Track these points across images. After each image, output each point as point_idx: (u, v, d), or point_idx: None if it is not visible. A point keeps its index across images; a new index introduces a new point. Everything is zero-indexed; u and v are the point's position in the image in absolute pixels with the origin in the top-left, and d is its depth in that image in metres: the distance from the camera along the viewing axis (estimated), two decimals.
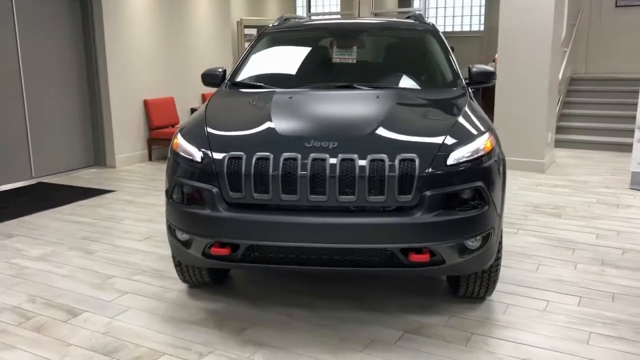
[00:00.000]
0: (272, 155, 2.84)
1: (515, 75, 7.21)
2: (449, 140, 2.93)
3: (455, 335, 3.13)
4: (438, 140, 2.92)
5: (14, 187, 6.75)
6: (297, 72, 4.16)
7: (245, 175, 2.84)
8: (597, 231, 4.92)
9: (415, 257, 2.81)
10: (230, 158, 2.89)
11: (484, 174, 2.93)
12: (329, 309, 3.46)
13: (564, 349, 2.99)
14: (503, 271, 4.01)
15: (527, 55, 7.09)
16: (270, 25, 4.77)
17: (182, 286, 3.80)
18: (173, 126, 8.53)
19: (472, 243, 2.93)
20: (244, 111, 3.51)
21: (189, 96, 9.08)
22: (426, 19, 4.82)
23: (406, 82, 3.95)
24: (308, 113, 3.29)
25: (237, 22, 10.07)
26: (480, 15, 14.80)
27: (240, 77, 4.13)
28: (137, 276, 4.00)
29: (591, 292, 3.70)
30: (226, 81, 4.13)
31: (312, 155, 2.81)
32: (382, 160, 2.78)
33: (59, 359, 2.93)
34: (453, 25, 15.24)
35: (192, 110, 9.09)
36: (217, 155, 2.93)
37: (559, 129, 9.41)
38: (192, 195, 3.02)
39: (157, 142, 8.30)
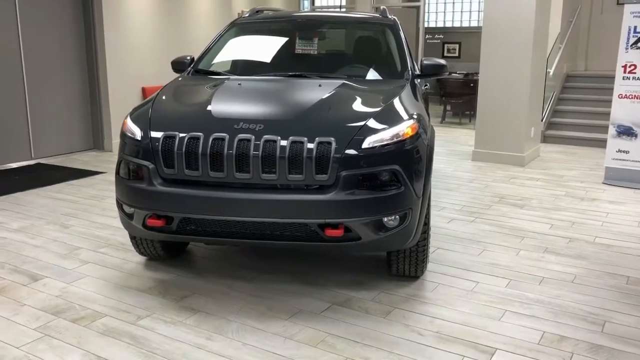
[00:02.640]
0: (202, 135, 3.10)
1: (497, 69, 7.35)
2: (371, 124, 3.15)
3: (378, 309, 3.36)
4: (359, 124, 3.15)
5: (13, 167, 7.14)
6: (257, 62, 4.41)
7: (178, 154, 3.11)
8: (552, 222, 5.08)
9: (330, 232, 3.04)
10: (166, 137, 3.16)
11: (402, 158, 3.14)
12: (267, 281, 3.72)
13: (475, 324, 3.19)
14: (445, 254, 4.22)
15: (508, 50, 7.21)
16: (242, 16, 5.02)
17: (141, 259, 4.10)
18: None
19: (391, 222, 3.15)
20: (191, 95, 3.77)
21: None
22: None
23: (355, 73, 4.17)
24: (247, 98, 3.54)
25: (239, 13, 10.33)
26: (479, 11, 14.82)
27: (203, 65, 4.39)
28: (103, 249, 4.30)
29: (523, 275, 3.89)
30: (189, 68, 4.39)
31: (239, 135, 3.06)
32: (302, 142, 3.02)
33: (10, 317, 3.23)
34: (452, 21, 15.30)
35: None
36: (155, 134, 3.20)
37: (551, 125, 9.50)
38: (134, 171, 3.29)
39: None
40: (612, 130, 6.58)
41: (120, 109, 8.23)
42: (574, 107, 9.72)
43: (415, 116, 3.37)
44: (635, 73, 6.34)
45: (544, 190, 6.20)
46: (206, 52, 4.54)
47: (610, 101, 9.42)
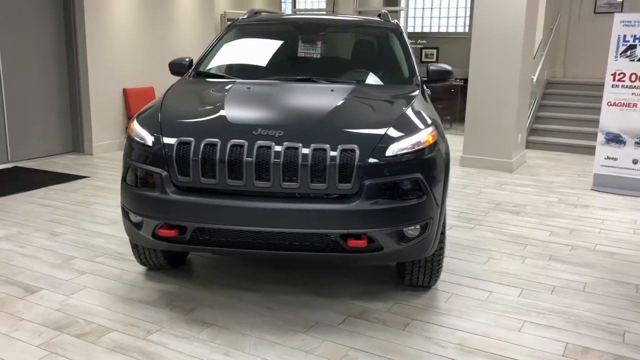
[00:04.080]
0: (220, 142, 2.96)
1: (486, 76, 7.37)
2: (392, 133, 3.07)
3: (395, 320, 3.28)
4: (380, 132, 3.06)
5: None
6: (260, 65, 4.28)
7: (193, 160, 2.96)
8: (550, 229, 5.09)
9: (353, 243, 2.94)
10: (180, 143, 3.01)
11: (424, 166, 3.07)
12: (277, 292, 3.59)
13: (496, 336, 3.14)
14: (453, 262, 4.16)
15: (498, 57, 7.24)
16: (240, 18, 4.89)
17: (141, 269, 3.92)
18: None
19: (411, 231, 3.07)
20: (200, 99, 3.63)
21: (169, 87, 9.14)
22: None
23: (362, 78, 4.08)
24: (260, 103, 3.41)
25: (221, 14, 10.16)
26: (465, 16, 14.96)
27: (204, 67, 4.25)
28: (99, 258, 4.11)
29: (533, 284, 3.85)
30: (190, 70, 4.24)
31: (259, 142, 2.93)
32: (324, 150, 2.91)
33: (9, 332, 3.03)
34: (439, 26, 15.38)
35: None
36: (168, 140, 3.05)
37: (534, 131, 9.59)
38: (143, 178, 3.13)
39: None
40: (600, 138, 6.66)
41: (101, 111, 7.98)
42: (555, 113, 9.85)
43: (433, 123, 3.30)
44: (624, 81, 6.43)
45: (536, 197, 6.22)
46: (207, 54, 4.39)
47: (590, 108, 9.65)
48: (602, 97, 9.53)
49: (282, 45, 4.52)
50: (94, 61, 7.78)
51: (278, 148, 2.92)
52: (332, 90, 3.61)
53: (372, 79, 4.09)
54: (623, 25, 6.39)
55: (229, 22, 10.17)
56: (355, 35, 4.63)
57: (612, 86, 6.51)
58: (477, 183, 6.79)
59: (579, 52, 11.32)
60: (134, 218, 3.22)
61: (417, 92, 3.73)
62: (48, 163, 7.35)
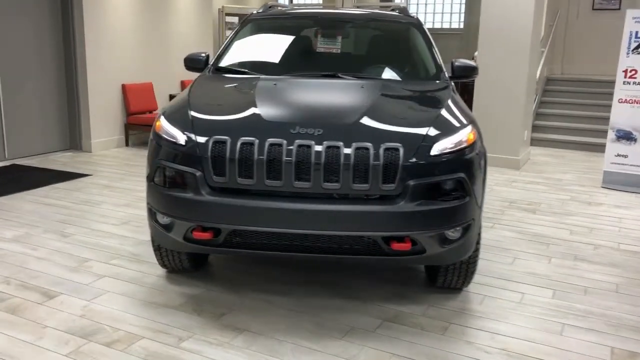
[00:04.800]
0: (257, 140, 2.83)
1: (494, 73, 7.29)
2: (433, 131, 2.96)
3: (433, 324, 3.17)
4: (422, 130, 2.95)
5: None
6: (281, 60, 4.15)
7: (230, 160, 2.83)
8: (570, 227, 5.02)
9: (397, 246, 2.83)
10: (215, 142, 2.87)
11: (466, 166, 2.97)
12: (306, 295, 3.47)
13: (539, 340, 3.05)
14: (480, 263, 4.07)
15: (506, 54, 7.17)
16: (255, 12, 4.74)
17: (160, 271, 3.78)
18: (151, 112, 8.42)
19: (453, 233, 2.97)
20: (228, 96, 3.49)
21: (168, 82, 8.97)
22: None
23: (390, 74, 3.97)
24: (293, 100, 3.28)
25: (219, 9, 9.97)
26: (460, 12, 14.91)
27: (224, 63, 4.10)
28: (115, 260, 3.95)
29: (565, 285, 3.78)
30: (210, 66, 4.09)
31: (298, 141, 2.80)
32: (367, 149, 2.79)
33: (35, 341, 2.88)
34: (433, 22, 15.31)
35: (171, 97, 8.99)
36: (201, 139, 2.91)
37: (535, 128, 9.56)
38: (174, 179, 2.99)
39: (134, 127, 8.20)
40: (611, 135, 6.62)
41: (99, 108, 7.78)
42: (556, 110, 9.83)
43: (472, 121, 3.20)
44: (635, 78, 6.39)
45: (548, 194, 6.16)
46: (225, 49, 4.24)
47: (591, 105, 9.65)
48: (602, 93, 9.67)
49: (301, 40, 4.40)
50: (92, 56, 7.57)
51: (318, 147, 2.79)
52: (362, 86, 3.49)
53: (398, 75, 3.98)
54: (635, 22, 6.34)
55: (227, 17, 10.05)
56: (376, 29, 4.51)
57: (624, 83, 6.46)
58: (487, 180, 6.71)
59: (577, 49, 11.32)
60: (163, 220, 3.08)
61: (449, 89, 3.62)
62: (46, 161, 7.14)
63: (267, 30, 4.50)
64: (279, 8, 4.87)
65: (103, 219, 4.84)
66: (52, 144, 7.63)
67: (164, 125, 3.11)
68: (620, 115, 6.54)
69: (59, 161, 7.14)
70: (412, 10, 15.55)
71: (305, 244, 2.94)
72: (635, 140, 6.49)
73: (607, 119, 8.83)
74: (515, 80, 7.20)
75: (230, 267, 3.88)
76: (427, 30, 4.38)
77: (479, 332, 3.11)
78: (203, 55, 4.18)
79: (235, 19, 10.16)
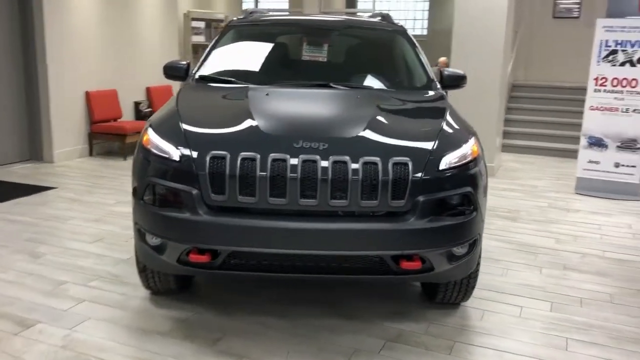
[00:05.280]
0: (259, 156, 2.66)
1: (468, 78, 7.27)
2: (439, 145, 2.86)
3: (437, 344, 3.07)
4: (428, 144, 2.85)
5: None
6: (268, 69, 3.99)
7: (230, 177, 2.65)
8: (554, 235, 5.02)
9: (407, 265, 2.71)
10: (213, 158, 2.69)
11: (472, 180, 2.88)
12: (302, 316, 3.32)
13: (547, 357, 2.98)
14: None
15: (480, 60, 7.18)
16: (236, 18, 4.56)
17: (144, 293, 3.55)
18: (115, 120, 8.09)
19: (460, 250, 2.87)
20: (219, 107, 3.31)
21: (133, 89, 8.65)
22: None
23: (382, 83, 3.86)
24: (291, 111, 3.13)
25: (185, 14, 9.70)
26: (423, 19, 15.05)
27: (207, 71, 3.91)
28: (93, 282, 3.70)
29: (560, 297, 3.74)
30: (192, 74, 3.90)
31: (302, 156, 2.65)
32: (375, 164, 2.67)
33: None
34: None
35: (136, 104, 8.67)
36: (198, 155, 2.72)
37: (503, 134, 9.65)
38: (167, 197, 2.79)
39: (98, 136, 7.86)
40: (583, 142, 6.71)
41: (62, 115, 7.41)
42: (522, 116, 9.96)
43: (473, 133, 3.12)
44: (606, 86, 6.49)
45: (526, 201, 6.18)
46: (207, 57, 4.05)
47: (556, 111, 9.82)
48: (566, 100, 9.85)
49: (287, 48, 4.25)
50: (54, 62, 7.21)
51: (325, 163, 2.65)
52: (358, 97, 3.37)
53: (391, 84, 3.87)
54: (605, 31, 6.45)
55: (193, 22, 9.80)
56: (364, 37, 4.40)
57: (595, 90, 6.56)
58: None
59: (538, 56, 11.53)
60: (153, 241, 2.87)
61: (445, 99, 3.54)
62: (4, 173, 6.74)
63: (250, 37, 4.33)
64: (260, 14, 4.70)
65: (75, 236, 4.56)
66: (10, 155, 7.21)
67: (154, 139, 2.90)
68: (592, 123, 6.64)
69: (19, 173, 6.76)
70: None
71: (307, 265, 2.79)
72: (606, 146, 6.59)
73: (573, 124, 9.02)
74: (489, 86, 7.22)
75: (218, 287, 3.68)
76: (413, 38, 4.30)
77: (486, 351, 3.02)
78: (184, 63, 3.99)
79: (202, 24, 9.91)
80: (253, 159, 2.66)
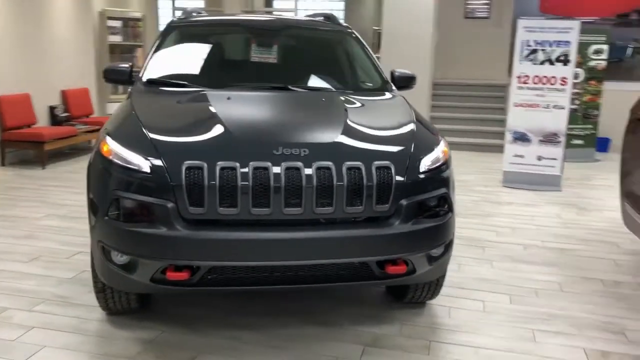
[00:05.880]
0: (238, 164, 2.53)
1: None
2: (415, 148, 2.87)
3: (414, 345, 3.08)
4: (406, 147, 2.84)
5: None
6: (221, 71, 3.85)
7: (209, 188, 2.50)
8: (494, 228, 5.22)
9: (392, 269, 2.70)
10: (189, 168, 2.53)
11: (446, 181, 2.92)
12: (275, 326, 3.22)
13: (519, 349, 3.07)
14: None
15: (409, 58, 7.35)
16: (176, 18, 4.36)
17: (99, 314, 3.30)
18: (29, 126, 7.52)
19: (437, 250, 2.90)
20: (181, 113, 3.13)
21: (48, 93, 8.08)
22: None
23: (340, 85, 3.83)
24: (262, 116, 3.02)
25: (99, 12, 9.18)
26: (340, 19, 15.21)
27: (156, 74, 3.70)
28: (39, 306, 3.39)
29: (516, 289, 3.88)
30: (139, 78, 3.67)
31: (285, 163, 2.56)
32: (359, 168, 2.62)
33: None
34: None
35: (51, 108, 8.10)
36: (171, 165, 2.55)
37: None
38: (136, 212, 2.60)
39: (11, 144, 7.27)
40: (508, 137, 7.04)
41: None
42: (444, 113, 10.30)
43: (440, 134, 3.16)
44: (528, 83, 6.84)
45: (459, 196, 6.32)
46: (152, 59, 3.83)
47: (474, 107, 10.24)
48: (483, 97, 10.30)
49: (235, 49, 4.13)
50: None
51: (308, 170, 2.57)
52: (322, 100, 3.31)
53: (347, 87, 3.85)
54: (526, 31, 6.79)
55: (109, 21, 9.27)
56: (314, 38, 4.34)
57: (518, 88, 6.89)
58: None
59: (451, 54, 11.97)
60: (119, 259, 2.66)
61: (405, 101, 3.56)
62: None
63: (196, 38, 4.15)
64: (199, 14, 4.51)
65: (7, 256, 4.17)
66: None
67: (116, 149, 2.69)
68: (516, 118, 6.98)
69: None
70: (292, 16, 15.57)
71: (287, 275, 2.70)
72: (530, 141, 6.95)
73: (493, 120, 9.46)
74: (419, 84, 7.36)
75: (178, 302, 3.49)
76: (362, 39, 4.30)
77: (461, 348, 3.07)
78: (126, 66, 3.75)
79: (118, 23, 9.42)
80: (233, 168, 2.53)
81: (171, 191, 2.51)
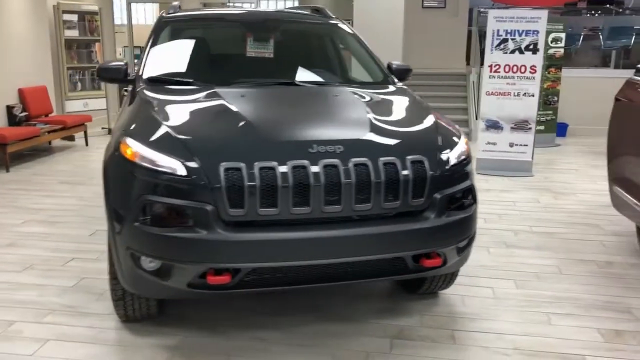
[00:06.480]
0: (276, 164, 2.49)
1: None
2: (442, 141, 2.90)
3: (439, 335, 3.13)
4: (434, 140, 2.87)
5: None
6: (223, 67, 3.78)
7: (249, 189, 2.45)
8: (481, 215, 5.26)
9: (427, 262, 2.72)
10: (227, 169, 2.47)
11: (470, 173, 2.97)
12: (296, 325, 3.20)
13: (538, 333, 3.17)
14: None
15: (380, 49, 7.37)
16: (165, 13, 4.22)
17: (115, 322, 3.19)
18: None
19: (464, 241, 2.94)
20: (201, 112, 3.03)
21: (4, 92, 7.68)
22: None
23: (345, 79, 3.84)
24: (286, 114, 2.97)
25: (54, 6, 8.76)
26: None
27: (156, 72, 3.58)
28: (48, 317, 3.25)
29: (517, 274, 3.99)
30: (139, 76, 3.54)
31: (323, 161, 2.53)
32: (394, 164, 2.63)
33: None
34: None
35: (9, 108, 7.70)
36: (208, 167, 2.48)
37: None
38: (168, 216, 2.51)
39: None
40: (481, 125, 7.21)
41: None
42: None
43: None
44: (499, 72, 7.01)
45: None
46: (148, 56, 3.70)
47: (439, 96, 10.42)
48: (446, 85, 10.49)
49: (232, 44, 4.04)
50: None
51: (346, 166, 2.55)
52: (336, 95, 3.29)
53: (352, 81, 3.84)
54: (496, 21, 6.95)
55: (64, 15, 8.86)
56: (310, 32, 4.30)
57: (490, 77, 7.06)
58: None
59: (413, 44, 12.11)
60: (150, 265, 2.57)
61: (414, 95, 3.59)
62: None
63: (190, 33, 4.04)
64: (189, 9, 4.39)
65: (2, 266, 3.95)
66: None
67: (143, 152, 2.59)
68: (488, 107, 7.15)
69: None
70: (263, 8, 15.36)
71: (327, 272, 2.68)
72: (502, 128, 7.14)
73: (457, 109, 9.64)
74: None
75: (189, 304, 3.40)
76: (357, 33, 4.29)
77: (485, 335, 3.14)
78: (122, 64, 3.61)
79: (74, 17, 9.03)
80: (271, 168, 2.48)
81: (210, 193, 2.45)
